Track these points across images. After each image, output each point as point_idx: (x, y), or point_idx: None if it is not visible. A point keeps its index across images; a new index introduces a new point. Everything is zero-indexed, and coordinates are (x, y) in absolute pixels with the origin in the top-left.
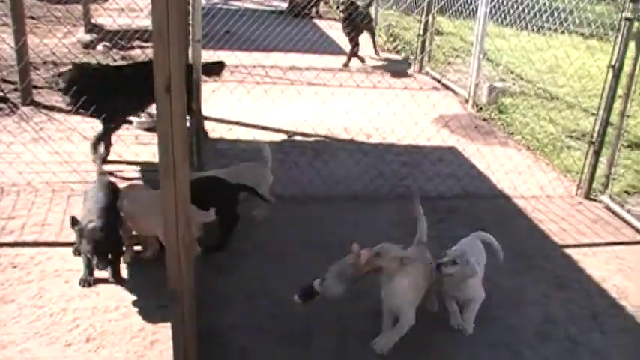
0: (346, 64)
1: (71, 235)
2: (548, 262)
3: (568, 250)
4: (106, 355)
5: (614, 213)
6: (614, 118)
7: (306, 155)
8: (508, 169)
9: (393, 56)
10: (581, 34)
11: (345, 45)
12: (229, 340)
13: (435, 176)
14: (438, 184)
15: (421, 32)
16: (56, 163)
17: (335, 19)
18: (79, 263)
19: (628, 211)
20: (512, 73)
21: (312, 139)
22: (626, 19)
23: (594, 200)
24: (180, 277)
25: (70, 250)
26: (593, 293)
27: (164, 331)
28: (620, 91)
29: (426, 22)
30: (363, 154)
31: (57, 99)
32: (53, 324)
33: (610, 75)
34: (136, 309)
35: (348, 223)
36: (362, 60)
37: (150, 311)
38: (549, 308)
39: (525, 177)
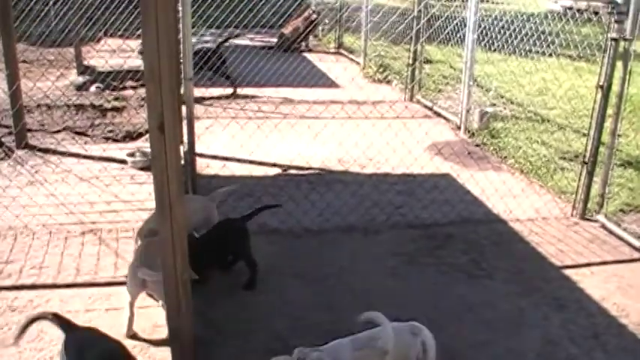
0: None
1: (69, 277)
2: (546, 284)
3: (566, 271)
4: None
5: (610, 232)
6: (605, 137)
7: (300, 188)
8: (503, 193)
9: (380, 87)
10: (569, 56)
11: (336, 77)
12: None
13: (430, 203)
14: (433, 211)
15: (410, 61)
16: (52, 205)
17: (325, 52)
18: (78, 305)
19: (625, 229)
20: (502, 97)
21: (306, 171)
22: (612, 39)
23: (590, 220)
24: (179, 315)
25: (68, 292)
26: (593, 312)
27: None
28: (610, 111)
29: (415, 51)
30: (357, 184)
31: (51, 141)
32: None
33: (599, 95)
34: (137, 349)
35: (345, 254)
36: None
37: (151, 350)
38: (550, 329)
39: (520, 200)
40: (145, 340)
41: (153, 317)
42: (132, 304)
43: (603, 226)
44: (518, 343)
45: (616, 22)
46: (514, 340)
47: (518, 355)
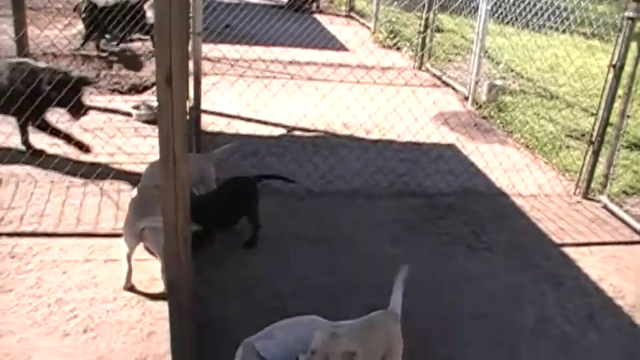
0: None
1: (70, 226)
2: (545, 261)
3: (566, 249)
4: (103, 346)
5: (612, 213)
6: (614, 118)
7: (305, 150)
8: (507, 167)
9: (390, 53)
10: (583, 34)
11: (347, 41)
12: (226, 333)
13: (434, 173)
14: (436, 181)
15: (422, 29)
16: (55, 154)
17: (336, 14)
18: (77, 254)
19: (626, 212)
20: (512, 71)
21: (311, 134)
22: (628, 18)
23: (593, 200)
24: (178, 268)
25: (68, 241)
26: (589, 292)
27: (161, 323)
28: (620, 91)
29: (427, 19)
30: (362, 149)
31: None
32: (51, 314)
33: (611, 75)
34: (133, 301)
35: (347, 218)
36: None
37: (148, 303)
38: (546, 306)
39: (524, 175)
40: (142, 294)
41: (151, 271)
42: (129, 257)
43: (605, 207)
44: (514, 317)
45: (634, 0)
46: (510, 314)
47: (514, 329)
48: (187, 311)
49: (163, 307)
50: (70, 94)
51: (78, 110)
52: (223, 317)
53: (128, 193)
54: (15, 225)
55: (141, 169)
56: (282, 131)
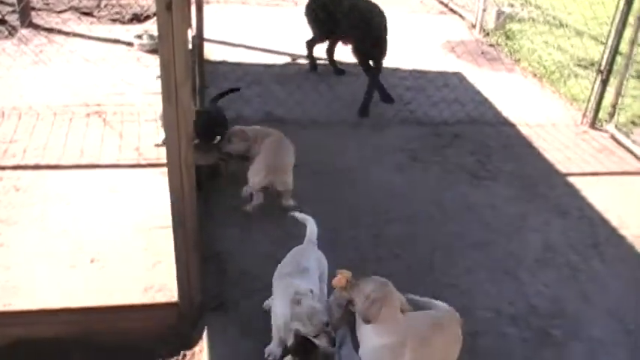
0: None
1: (73, 158)
2: (550, 190)
3: (572, 179)
4: (109, 276)
5: (619, 143)
6: (623, 46)
7: (309, 78)
8: (514, 96)
9: None
10: None
11: None
12: (229, 263)
13: (440, 101)
14: (442, 109)
15: None
16: (57, 85)
17: None
18: (81, 186)
19: (634, 142)
20: None
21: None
22: None
23: (600, 130)
24: (183, 198)
25: (72, 172)
26: (595, 222)
27: (167, 252)
28: (631, 19)
29: None
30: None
31: (56, 21)
32: (57, 246)
33: (622, 1)
34: (138, 232)
35: (351, 147)
36: None
37: (153, 234)
38: (550, 236)
39: (531, 104)
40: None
41: (154, 205)
42: None
43: (612, 137)
44: (518, 247)
45: None
46: (514, 244)
47: (518, 258)
48: (193, 239)
49: (169, 237)
50: None
51: None
52: (226, 248)
53: (131, 123)
54: (18, 158)
55: (144, 98)
56: (286, 59)
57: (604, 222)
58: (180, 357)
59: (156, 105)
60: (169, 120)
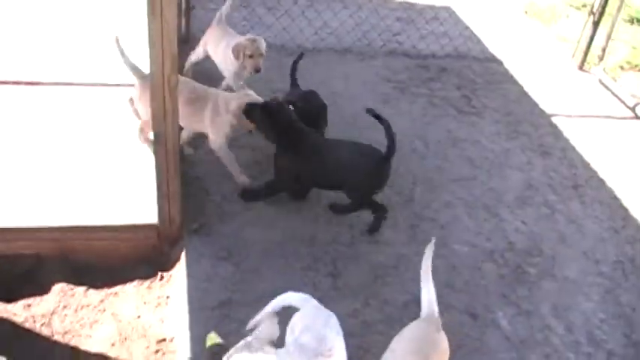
0: None
1: None
2: (534, 129)
3: (556, 119)
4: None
5: (606, 86)
6: None
7: (298, 3)
8: (503, 32)
9: None
10: None
11: None
12: (210, 186)
13: (429, 34)
14: (430, 42)
15: None
16: None
17: None
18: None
19: (620, 86)
20: None
21: None
22: None
23: (588, 72)
24: (164, 118)
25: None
26: (576, 163)
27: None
28: None
29: None
30: (356, 6)
31: None
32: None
33: None
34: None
35: (338, 76)
36: None
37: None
38: (532, 174)
39: (520, 42)
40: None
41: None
42: None
43: (600, 81)
44: (498, 184)
45: None
46: (495, 181)
47: (498, 195)
48: (173, 159)
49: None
50: None
51: None
52: (206, 173)
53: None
54: None
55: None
56: None
57: (585, 164)
58: (158, 278)
59: None
60: (153, 37)
